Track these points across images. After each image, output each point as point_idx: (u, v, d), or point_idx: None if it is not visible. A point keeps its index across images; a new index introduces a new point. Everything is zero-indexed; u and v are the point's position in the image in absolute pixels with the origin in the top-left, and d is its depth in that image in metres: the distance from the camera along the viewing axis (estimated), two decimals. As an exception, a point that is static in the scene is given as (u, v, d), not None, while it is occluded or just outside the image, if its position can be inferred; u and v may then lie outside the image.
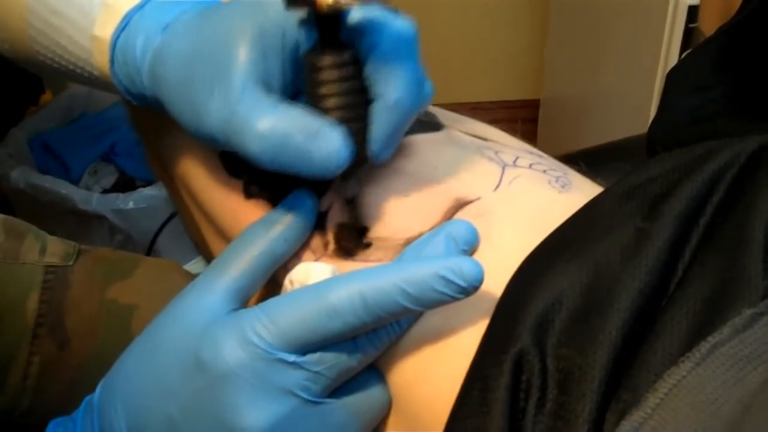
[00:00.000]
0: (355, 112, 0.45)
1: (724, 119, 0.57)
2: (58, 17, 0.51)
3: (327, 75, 0.44)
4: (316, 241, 0.49)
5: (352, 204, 0.48)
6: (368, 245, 0.49)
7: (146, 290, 0.78)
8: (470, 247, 0.46)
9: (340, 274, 0.46)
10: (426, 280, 0.41)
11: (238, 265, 0.46)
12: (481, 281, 0.41)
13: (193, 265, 1.68)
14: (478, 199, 0.50)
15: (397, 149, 0.50)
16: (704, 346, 0.35)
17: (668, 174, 0.45)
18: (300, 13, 0.44)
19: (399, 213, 0.49)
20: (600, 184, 0.54)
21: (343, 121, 0.44)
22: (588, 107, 1.89)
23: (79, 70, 0.53)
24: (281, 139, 0.42)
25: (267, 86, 0.45)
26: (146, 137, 0.65)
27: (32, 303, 0.72)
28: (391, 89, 0.45)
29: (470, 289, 0.41)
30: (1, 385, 0.70)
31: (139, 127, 0.66)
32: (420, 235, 0.47)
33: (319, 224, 0.49)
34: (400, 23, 0.44)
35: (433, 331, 0.45)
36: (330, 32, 0.43)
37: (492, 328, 0.42)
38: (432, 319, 0.45)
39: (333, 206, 0.50)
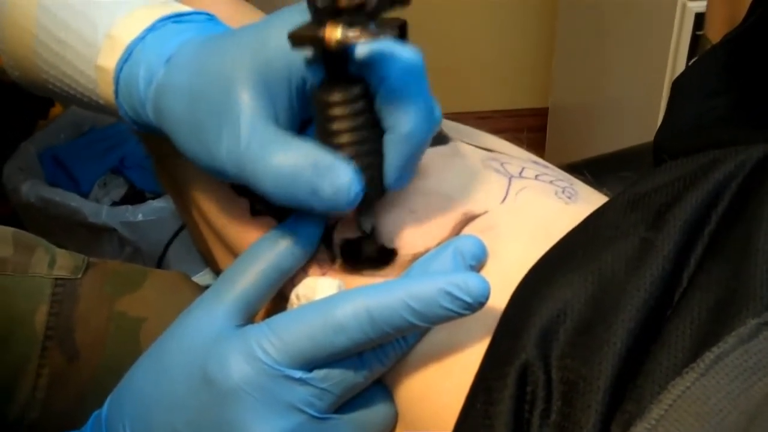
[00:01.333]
0: (368, 146, 0.44)
1: (730, 127, 0.57)
2: (63, 47, 0.51)
3: (337, 111, 0.43)
4: (323, 256, 0.49)
5: (370, 237, 0.48)
6: (376, 261, 0.48)
7: (155, 303, 0.78)
8: (478, 262, 0.46)
9: (346, 289, 0.46)
10: (432, 295, 0.41)
11: (245, 280, 0.46)
12: (487, 297, 0.41)
13: (202, 277, 1.68)
14: (486, 212, 0.49)
15: None
16: (708, 357, 0.35)
17: (673, 183, 0.45)
18: (306, 52, 0.44)
19: (407, 229, 0.49)
20: (605, 194, 0.54)
21: (356, 156, 0.44)
22: (596, 115, 1.89)
23: (86, 99, 0.53)
24: (291, 174, 0.42)
25: (275, 121, 0.45)
26: (154, 152, 0.65)
27: (41, 316, 0.73)
28: (402, 122, 0.44)
29: (476, 305, 0.41)
30: (11, 397, 0.71)
31: (147, 142, 0.66)
32: (427, 250, 0.47)
33: (326, 238, 0.49)
34: (407, 54, 0.43)
35: (439, 346, 0.45)
36: (338, 68, 0.43)
37: (496, 341, 0.42)
38: (438, 333, 0.45)
39: (340, 220, 0.50)
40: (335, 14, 0.40)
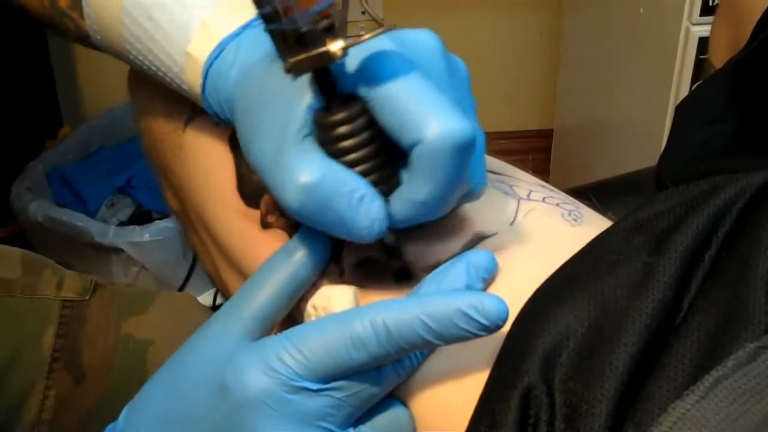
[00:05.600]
0: (380, 159, 0.43)
1: (734, 153, 0.58)
2: (154, 24, 0.50)
3: (343, 129, 0.42)
4: (333, 270, 0.50)
5: (395, 252, 0.48)
6: (395, 278, 0.49)
7: (162, 325, 0.78)
8: (490, 276, 0.46)
9: (360, 300, 0.46)
10: (448, 315, 0.40)
11: (262, 294, 0.46)
12: (504, 320, 0.40)
13: (208, 296, 1.69)
14: (496, 233, 0.50)
15: None
16: (708, 380, 0.35)
17: (674, 209, 0.45)
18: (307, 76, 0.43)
19: (418, 244, 0.49)
20: (610, 218, 0.54)
21: (369, 171, 0.43)
22: (601, 137, 1.89)
23: (168, 79, 0.52)
24: (324, 200, 0.41)
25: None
26: (161, 171, 0.66)
27: (49, 337, 0.73)
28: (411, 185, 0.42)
29: (492, 327, 0.40)
30: (18, 419, 0.71)
31: (154, 161, 0.66)
32: (437, 263, 0.48)
33: (334, 252, 0.49)
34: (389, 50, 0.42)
35: (450, 361, 0.45)
36: (334, 88, 0.42)
37: (499, 364, 0.42)
38: (449, 348, 0.45)
39: None
40: (314, 39, 0.40)
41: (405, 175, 0.43)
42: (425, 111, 0.40)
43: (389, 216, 0.43)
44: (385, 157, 0.44)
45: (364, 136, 0.43)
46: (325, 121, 0.43)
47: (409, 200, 0.42)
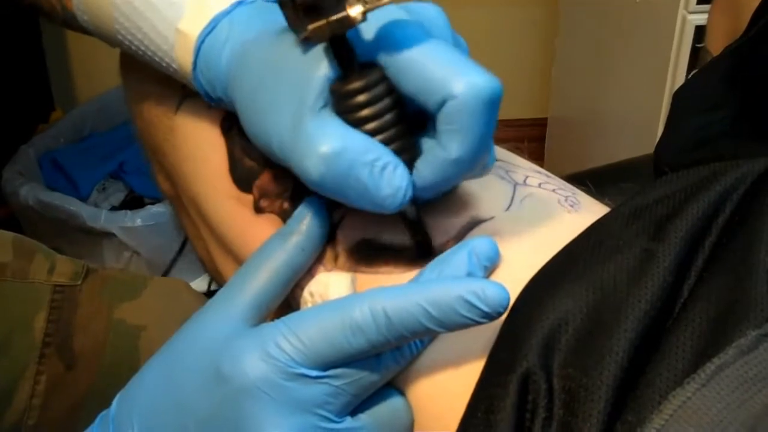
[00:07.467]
0: (397, 129, 0.43)
1: (731, 140, 0.58)
2: (144, 1, 0.49)
3: (361, 98, 0.42)
4: (327, 254, 0.49)
5: (417, 224, 0.47)
6: (417, 252, 0.48)
7: (154, 311, 0.78)
8: (492, 264, 0.46)
9: (358, 287, 0.46)
10: (450, 302, 0.40)
11: (258, 279, 0.46)
12: (505, 307, 0.40)
13: (200, 282, 1.68)
14: (492, 218, 0.49)
15: None
16: (709, 368, 0.35)
17: (674, 195, 0.45)
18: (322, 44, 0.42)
19: None
20: (607, 204, 0.54)
21: (387, 141, 0.42)
22: (595, 126, 1.89)
23: (157, 59, 0.51)
24: (346, 169, 0.41)
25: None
26: (153, 154, 0.65)
27: (40, 322, 0.73)
28: (455, 146, 0.41)
29: (494, 314, 0.40)
30: (9, 403, 0.71)
31: (146, 144, 0.66)
32: (433, 249, 0.47)
33: (329, 236, 0.49)
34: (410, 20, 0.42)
35: (449, 347, 0.45)
36: (352, 56, 0.42)
37: (497, 349, 0.42)
38: (447, 335, 0.44)
39: (344, 218, 0.50)
40: (330, 5, 0.40)
41: (427, 143, 0.43)
42: (452, 69, 0.40)
43: (413, 185, 0.43)
44: (404, 126, 0.43)
45: (384, 104, 0.42)
46: (342, 90, 0.42)
47: (441, 160, 0.42)
